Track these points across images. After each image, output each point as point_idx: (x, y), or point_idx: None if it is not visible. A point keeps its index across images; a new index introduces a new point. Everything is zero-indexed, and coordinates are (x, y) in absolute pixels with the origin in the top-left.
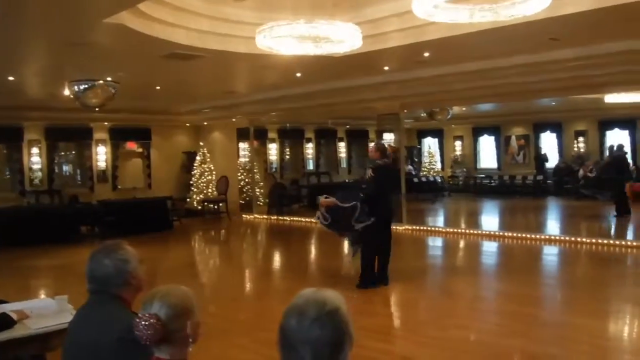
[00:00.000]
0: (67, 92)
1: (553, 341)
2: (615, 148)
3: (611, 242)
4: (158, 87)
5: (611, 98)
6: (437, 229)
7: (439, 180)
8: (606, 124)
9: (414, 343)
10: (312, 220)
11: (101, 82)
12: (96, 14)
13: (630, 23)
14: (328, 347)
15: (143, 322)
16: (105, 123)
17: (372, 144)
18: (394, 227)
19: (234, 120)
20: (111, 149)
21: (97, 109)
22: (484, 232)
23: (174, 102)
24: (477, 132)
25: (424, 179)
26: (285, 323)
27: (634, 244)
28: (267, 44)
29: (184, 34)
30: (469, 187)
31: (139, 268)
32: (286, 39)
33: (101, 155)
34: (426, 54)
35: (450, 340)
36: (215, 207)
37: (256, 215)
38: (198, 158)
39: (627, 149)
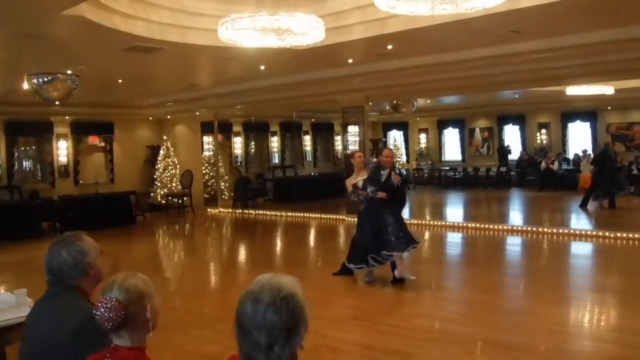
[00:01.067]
0: (26, 85)
1: (514, 328)
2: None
3: (572, 231)
4: (120, 81)
5: (572, 90)
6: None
7: (404, 173)
8: (568, 116)
9: (374, 332)
10: (278, 213)
11: (62, 75)
12: (55, 6)
13: (587, 16)
14: (283, 332)
15: (105, 305)
16: (67, 117)
17: (386, 149)
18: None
19: (197, 113)
20: (72, 143)
21: (57, 103)
22: (448, 224)
23: (137, 96)
24: (442, 124)
25: None
26: (240, 309)
27: (597, 233)
28: (230, 36)
29: (145, 26)
30: (433, 179)
31: (98, 259)
32: (248, 31)
33: (62, 150)
34: (389, 47)
35: (411, 328)
36: (180, 201)
37: (221, 209)
38: (162, 152)
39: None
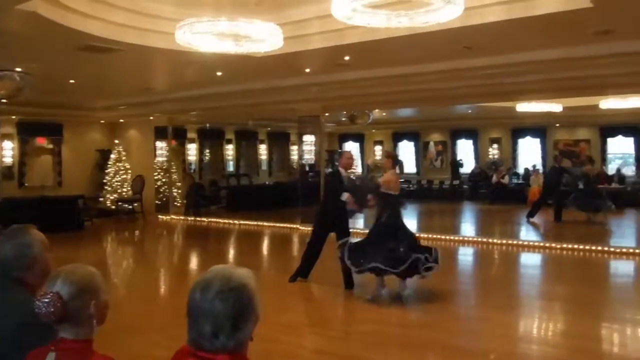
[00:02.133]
0: None
1: (466, 334)
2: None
3: (521, 242)
4: (72, 81)
5: (522, 107)
6: (356, 230)
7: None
8: (518, 132)
9: (327, 337)
10: (231, 221)
11: (10, 72)
12: (8, 1)
13: (537, 34)
14: (229, 321)
15: (44, 300)
16: (13, 117)
17: (346, 151)
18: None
19: (151, 118)
20: (19, 144)
21: (4, 101)
22: None
23: (89, 97)
24: (397, 137)
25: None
26: (190, 295)
27: (545, 245)
28: (187, 40)
29: (101, 26)
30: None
31: (45, 253)
32: (207, 36)
33: (7, 151)
34: (347, 58)
35: (364, 334)
36: (130, 207)
37: (173, 216)
38: (113, 156)
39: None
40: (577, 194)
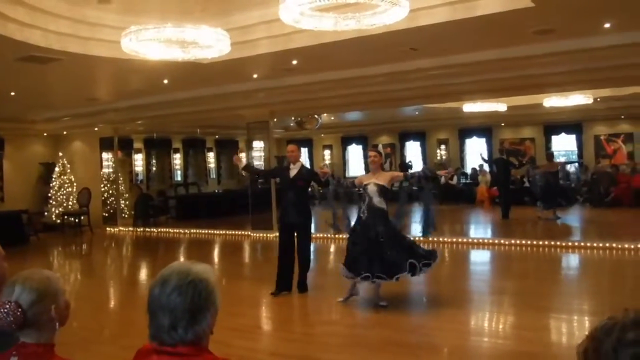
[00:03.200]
0: None
1: (418, 330)
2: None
3: (471, 240)
4: (13, 93)
5: (468, 107)
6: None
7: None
8: (465, 133)
9: (282, 339)
10: (181, 231)
11: None
12: None
13: (479, 35)
14: (186, 314)
15: (3, 310)
16: None
17: (290, 145)
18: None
19: (96, 129)
20: None
21: None
22: None
23: (31, 109)
24: (346, 141)
25: None
26: (150, 291)
27: (494, 241)
28: (133, 48)
29: (42, 36)
30: (338, 194)
31: (0, 262)
32: (153, 42)
33: None
34: (294, 62)
35: (318, 335)
36: (77, 220)
37: (121, 228)
38: (57, 169)
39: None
40: (544, 193)
